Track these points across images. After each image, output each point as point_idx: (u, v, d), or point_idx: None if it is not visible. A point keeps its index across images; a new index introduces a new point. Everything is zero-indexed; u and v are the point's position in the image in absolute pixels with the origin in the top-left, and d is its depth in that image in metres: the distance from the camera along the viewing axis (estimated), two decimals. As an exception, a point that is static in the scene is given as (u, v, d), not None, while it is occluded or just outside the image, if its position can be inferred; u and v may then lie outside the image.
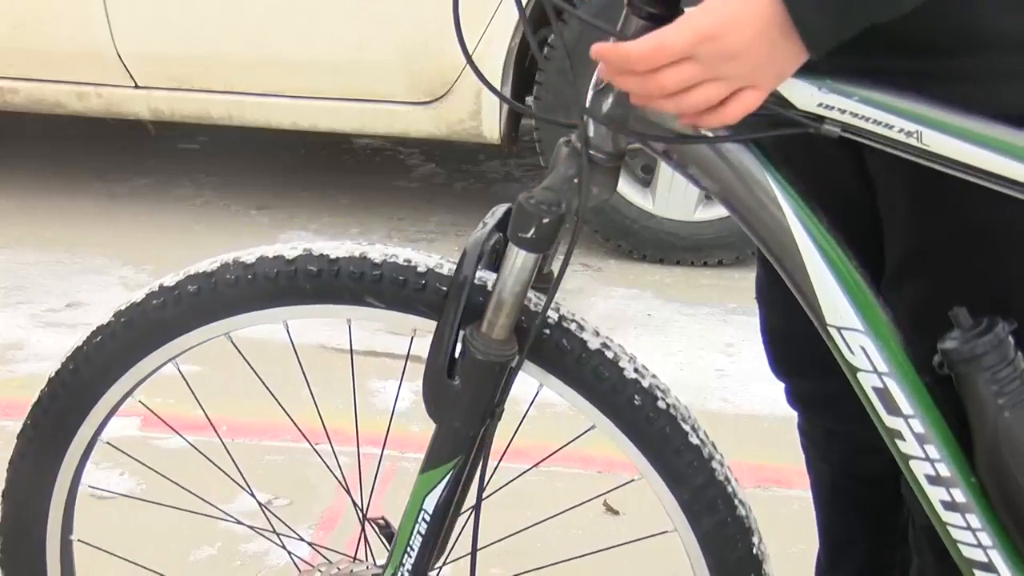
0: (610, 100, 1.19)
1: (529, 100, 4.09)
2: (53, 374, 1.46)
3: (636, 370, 1.34)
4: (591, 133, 1.20)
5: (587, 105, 1.20)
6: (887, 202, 1.32)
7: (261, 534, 1.70)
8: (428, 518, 1.33)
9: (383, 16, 3.73)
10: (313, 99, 3.89)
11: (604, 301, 3.64)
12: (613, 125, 1.19)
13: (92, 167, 4.63)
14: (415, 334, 1.35)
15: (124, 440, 2.42)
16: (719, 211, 3.89)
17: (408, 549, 1.34)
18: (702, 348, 3.31)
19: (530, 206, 1.20)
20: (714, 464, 1.35)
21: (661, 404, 1.34)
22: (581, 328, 1.33)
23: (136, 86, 3.94)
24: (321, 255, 1.34)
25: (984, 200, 1.17)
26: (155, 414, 1.60)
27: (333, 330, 3.15)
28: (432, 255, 1.34)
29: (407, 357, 1.39)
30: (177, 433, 1.77)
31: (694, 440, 1.34)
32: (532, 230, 1.20)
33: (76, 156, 4.76)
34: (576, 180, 1.20)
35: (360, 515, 1.52)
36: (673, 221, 3.90)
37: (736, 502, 1.36)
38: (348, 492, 1.54)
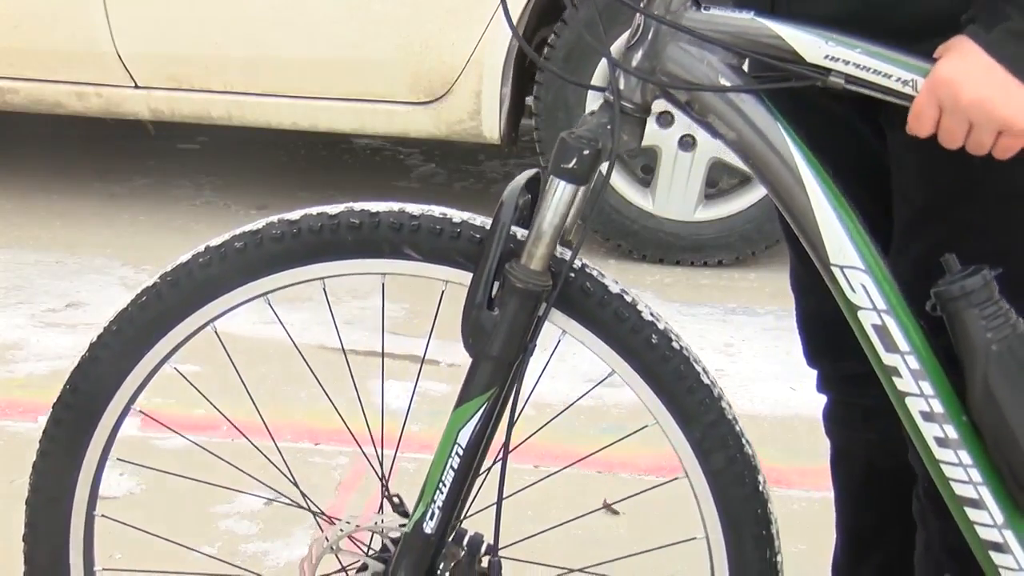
0: (639, 55, 1.32)
1: (529, 100, 4.10)
2: (95, 338, 1.49)
3: (652, 314, 1.43)
4: (621, 85, 1.32)
5: (619, 59, 1.33)
6: (897, 163, 1.41)
7: (288, 499, 1.70)
8: (461, 452, 1.40)
9: (383, 16, 3.73)
10: (313, 99, 3.89)
11: (604, 301, 3.64)
12: (641, 76, 1.32)
13: (92, 167, 4.63)
14: (446, 287, 1.44)
15: (124, 440, 2.42)
16: (719, 211, 3.89)
17: (440, 485, 1.41)
18: (702, 348, 3.31)
19: (572, 140, 1.32)
20: (723, 404, 1.44)
21: (675, 345, 1.43)
22: (602, 275, 1.43)
23: (136, 86, 3.95)
24: (363, 210, 1.43)
25: (987, 158, 1.26)
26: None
27: (332, 330, 3.15)
28: (465, 211, 1.43)
29: (425, 353, 1.40)
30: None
31: (705, 380, 1.43)
32: (574, 160, 1.32)
33: (76, 156, 4.76)
34: (609, 126, 1.32)
35: (381, 480, 1.57)
36: (673, 221, 3.90)
37: (743, 440, 1.44)
38: (369, 460, 1.59)
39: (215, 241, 1.46)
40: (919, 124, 1.26)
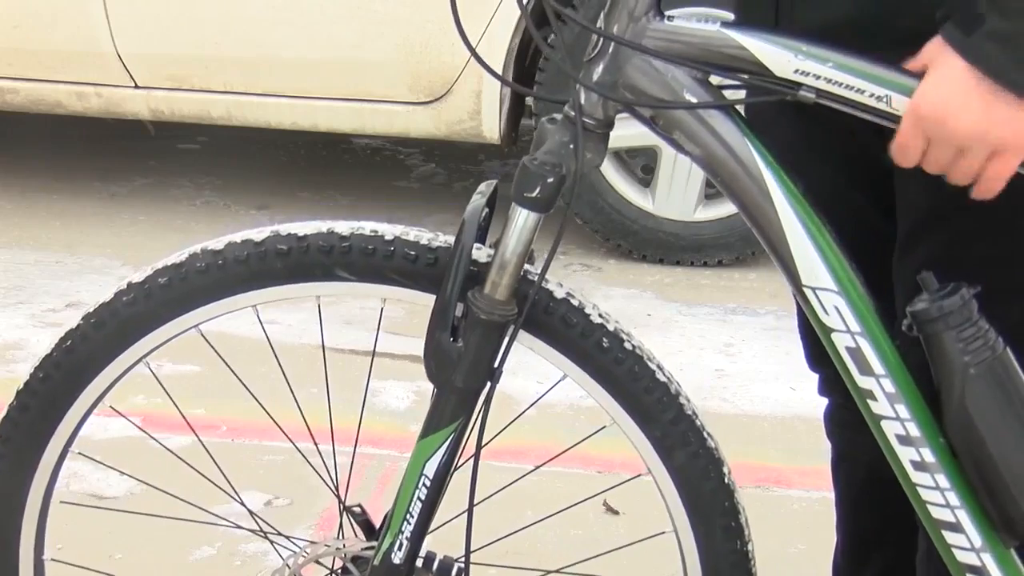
0: (600, 69, 1.26)
1: (529, 100, 4.10)
2: (22, 385, 1.44)
3: (600, 315, 1.39)
4: (583, 101, 1.27)
5: (579, 75, 1.28)
6: (899, 170, 1.38)
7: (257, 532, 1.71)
8: (428, 483, 1.36)
9: (383, 16, 3.73)
10: (313, 99, 3.89)
11: (604, 301, 3.64)
12: (603, 91, 1.26)
13: (92, 167, 4.63)
14: (384, 304, 1.39)
15: (123, 441, 2.42)
16: (719, 211, 3.89)
17: (408, 516, 1.38)
18: (702, 348, 3.31)
19: (534, 167, 1.27)
20: (681, 400, 1.41)
21: (627, 345, 1.38)
22: (546, 280, 1.37)
23: (136, 86, 3.94)
24: (289, 234, 1.37)
25: None
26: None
27: (331, 330, 3.15)
28: (397, 225, 1.38)
29: (373, 352, 1.40)
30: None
31: (661, 377, 1.40)
32: (537, 189, 1.26)
33: (76, 156, 4.76)
34: (571, 145, 1.27)
35: (339, 501, 1.54)
36: (673, 221, 3.90)
37: (705, 434, 1.42)
38: (326, 481, 1.57)
39: (137, 277, 1.40)
40: (905, 158, 1.21)
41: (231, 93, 3.91)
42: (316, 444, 1.57)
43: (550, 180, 1.26)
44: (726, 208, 3.88)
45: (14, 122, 4.59)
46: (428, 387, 3.15)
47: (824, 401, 1.76)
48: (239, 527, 1.65)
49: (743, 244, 3.90)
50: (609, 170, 3.86)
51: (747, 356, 3.31)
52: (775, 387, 3.11)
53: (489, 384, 1.34)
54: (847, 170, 1.44)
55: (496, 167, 4.92)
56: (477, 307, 1.30)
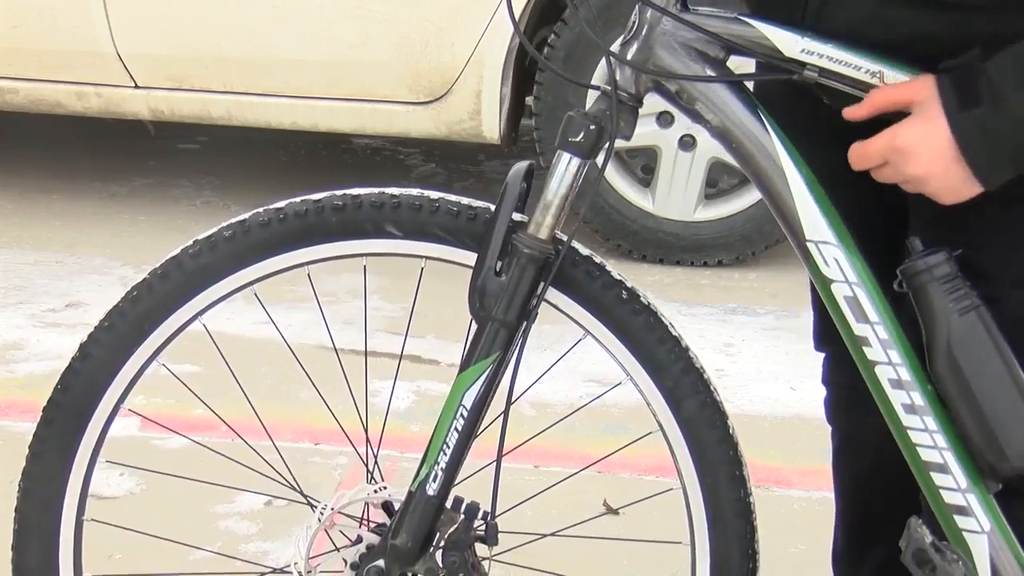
0: (634, 49, 1.41)
1: (529, 100, 4.10)
2: (86, 337, 1.50)
3: (619, 275, 1.50)
4: (617, 77, 1.42)
5: (615, 52, 1.42)
6: None
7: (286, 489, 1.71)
8: (465, 413, 1.46)
9: (383, 16, 3.74)
10: (313, 99, 3.90)
11: (604, 301, 3.64)
12: (636, 66, 1.41)
13: (92, 167, 4.63)
14: (425, 264, 1.50)
15: (124, 441, 2.42)
16: (719, 211, 3.90)
17: (444, 447, 1.46)
18: (702, 348, 3.29)
19: (579, 116, 1.42)
20: (691, 354, 1.51)
21: (643, 300, 1.50)
22: (571, 240, 1.47)
23: (136, 86, 3.95)
24: (345, 194, 1.50)
25: None
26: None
27: (332, 330, 3.15)
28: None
29: (400, 357, 1.40)
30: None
31: (673, 332, 1.51)
32: (581, 134, 1.41)
33: (76, 156, 4.77)
34: (608, 112, 1.42)
35: (370, 450, 1.60)
36: (673, 221, 3.90)
37: (712, 387, 1.51)
38: (356, 448, 1.61)
39: (204, 234, 1.50)
40: (859, 162, 1.37)
41: (231, 93, 3.92)
42: (339, 421, 1.61)
43: (592, 127, 1.41)
44: (726, 208, 3.89)
45: (14, 122, 4.60)
46: (428, 387, 3.16)
47: (823, 400, 1.76)
48: (287, 484, 1.69)
49: (743, 244, 3.91)
50: (609, 170, 3.86)
51: (747, 356, 3.31)
52: (775, 387, 3.12)
53: (525, 323, 1.44)
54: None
55: (496, 167, 4.93)
56: (521, 243, 1.43)
